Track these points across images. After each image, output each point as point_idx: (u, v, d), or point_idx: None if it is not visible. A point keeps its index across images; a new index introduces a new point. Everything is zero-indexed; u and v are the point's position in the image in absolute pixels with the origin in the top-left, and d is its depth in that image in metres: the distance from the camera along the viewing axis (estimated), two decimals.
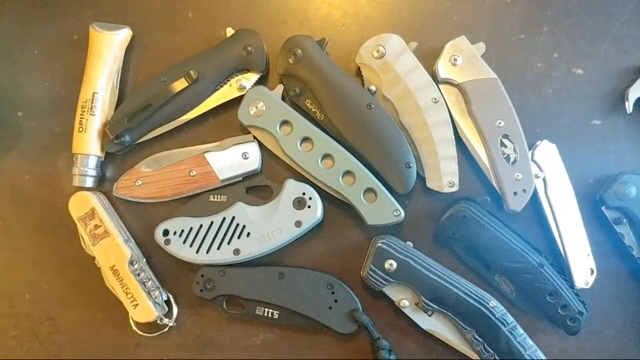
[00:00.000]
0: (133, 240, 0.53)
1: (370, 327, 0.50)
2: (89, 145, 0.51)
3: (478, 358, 0.49)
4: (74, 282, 0.54)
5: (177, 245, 0.50)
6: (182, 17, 0.55)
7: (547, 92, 0.53)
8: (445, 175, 0.50)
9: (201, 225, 0.50)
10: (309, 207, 0.50)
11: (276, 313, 0.51)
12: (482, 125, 0.49)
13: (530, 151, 0.50)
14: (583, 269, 0.50)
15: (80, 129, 0.51)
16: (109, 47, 0.51)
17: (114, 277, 0.50)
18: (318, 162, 0.50)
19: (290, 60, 0.50)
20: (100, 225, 0.50)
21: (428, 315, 0.50)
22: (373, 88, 0.51)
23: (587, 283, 0.49)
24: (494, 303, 0.48)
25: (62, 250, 0.54)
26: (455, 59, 0.50)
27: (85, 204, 0.51)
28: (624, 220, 0.50)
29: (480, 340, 0.48)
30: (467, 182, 0.52)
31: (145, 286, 0.51)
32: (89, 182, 0.52)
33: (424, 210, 0.52)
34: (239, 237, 0.50)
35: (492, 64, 0.51)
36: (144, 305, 0.50)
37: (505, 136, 0.49)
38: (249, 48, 0.50)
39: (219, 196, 0.51)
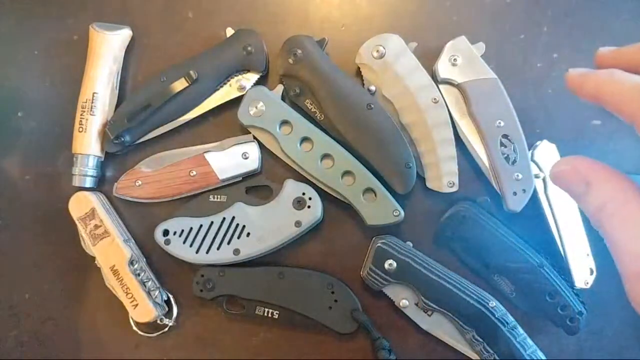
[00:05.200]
0: (133, 241, 0.53)
1: (370, 327, 0.50)
2: (88, 145, 0.51)
3: (478, 358, 0.49)
4: (74, 282, 0.54)
5: (177, 245, 0.50)
6: (182, 17, 0.55)
7: (547, 92, 0.53)
8: (445, 176, 0.50)
9: (201, 225, 0.50)
10: (308, 207, 0.50)
11: (276, 313, 0.51)
12: (482, 125, 0.49)
13: (530, 151, 0.50)
14: (583, 269, 0.50)
15: (80, 129, 0.51)
16: (109, 47, 0.51)
17: (114, 277, 0.50)
18: (318, 162, 0.50)
19: (290, 61, 0.50)
20: (100, 226, 0.50)
21: (428, 315, 0.50)
22: (373, 88, 0.51)
23: (587, 283, 0.50)
24: (493, 303, 0.48)
25: (62, 250, 0.54)
26: (455, 59, 0.50)
27: (85, 204, 0.51)
28: None
29: (480, 340, 0.48)
30: (467, 182, 0.52)
31: (145, 286, 0.51)
32: (89, 182, 0.52)
33: (423, 210, 0.52)
34: (238, 237, 0.50)
35: (491, 64, 0.51)
36: (144, 305, 0.50)
37: (505, 136, 0.49)
38: (249, 48, 0.50)
39: (219, 196, 0.51)
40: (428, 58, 0.51)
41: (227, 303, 0.52)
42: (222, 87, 0.52)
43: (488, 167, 0.50)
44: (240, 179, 0.52)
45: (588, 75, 0.28)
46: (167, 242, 0.50)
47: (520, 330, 0.49)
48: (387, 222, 0.49)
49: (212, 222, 0.50)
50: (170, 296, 0.53)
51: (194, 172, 0.51)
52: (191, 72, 0.50)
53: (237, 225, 0.50)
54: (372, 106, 0.49)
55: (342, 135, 0.50)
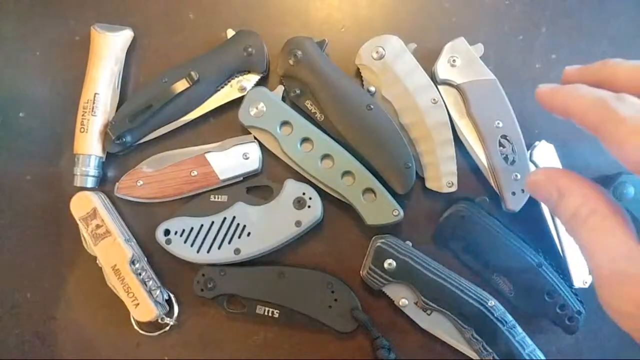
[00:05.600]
0: (134, 240, 0.53)
1: (370, 326, 0.50)
2: (90, 145, 0.51)
3: (477, 357, 0.50)
4: (75, 281, 0.54)
5: (178, 245, 0.51)
6: (183, 19, 0.55)
7: None
8: (444, 176, 0.50)
9: (202, 225, 0.51)
10: (309, 207, 0.50)
11: (276, 312, 0.51)
12: (481, 125, 0.49)
13: (529, 151, 0.50)
14: (581, 268, 0.50)
15: (82, 130, 0.51)
16: (110, 48, 0.52)
17: (115, 276, 0.50)
18: (318, 162, 0.50)
19: (291, 62, 0.50)
20: (102, 225, 0.51)
21: (427, 314, 0.50)
22: (372, 89, 0.51)
23: (586, 282, 0.50)
24: (492, 302, 0.48)
25: (63, 250, 0.54)
26: (454, 60, 0.50)
27: (86, 204, 0.51)
28: None
29: (479, 339, 0.48)
30: (466, 182, 0.52)
31: (146, 285, 0.51)
32: (91, 183, 0.52)
33: (423, 210, 0.53)
34: (239, 237, 0.50)
35: (490, 65, 0.52)
36: (145, 304, 0.51)
37: (504, 136, 0.49)
38: (250, 49, 0.51)
39: (219, 196, 0.52)
40: (427, 59, 0.52)
41: (227, 302, 0.52)
42: (222, 88, 0.52)
43: (487, 167, 0.50)
44: (241, 179, 0.52)
45: (557, 90, 0.30)
46: (168, 241, 0.51)
47: (519, 329, 0.49)
48: (386, 222, 0.49)
49: (212, 222, 0.51)
50: (171, 295, 0.53)
51: (195, 172, 0.51)
52: (192, 73, 0.50)
53: (238, 225, 0.50)
54: (372, 107, 0.49)
55: (342, 135, 0.50)
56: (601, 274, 0.25)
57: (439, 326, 0.50)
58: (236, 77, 0.52)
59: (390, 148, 0.49)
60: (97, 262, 0.51)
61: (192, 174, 0.51)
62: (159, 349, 0.54)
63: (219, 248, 0.50)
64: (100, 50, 0.51)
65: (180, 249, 0.51)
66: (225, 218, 0.51)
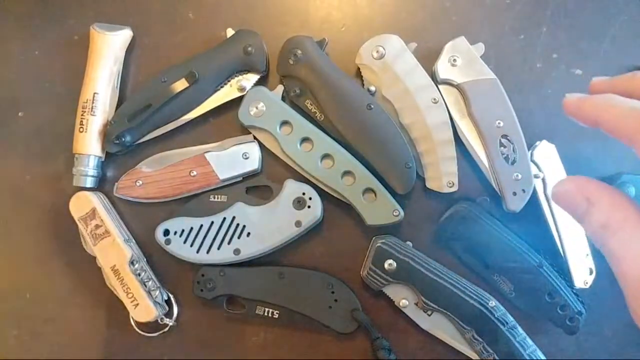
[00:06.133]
0: (133, 240, 0.53)
1: (370, 327, 0.50)
2: (89, 145, 0.51)
3: (478, 358, 0.49)
4: (74, 282, 0.54)
5: (178, 245, 0.51)
6: (182, 18, 0.55)
7: (546, 93, 0.53)
8: (444, 176, 0.50)
9: (201, 225, 0.50)
10: (308, 207, 0.50)
11: (276, 313, 0.51)
12: (482, 125, 0.49)
13: (530, 151, 0.50)
14: (582, 269, 0.50)
15: (81, 129, 0.51)
16: (109, 47, 0.52)
17: (115, 276, 0.50)
18: (318, 162, 0.50)
19: (290, 61, 0.50)
20: (101, 226, 0.51)
21: (428, 315, 0.50)
22: (373, 89, 0.51)
23: (586, 283, 0.50)
24: (493, 303, 0.48)
25: (62, 250, 0.54)
26: (454, 60, 0.50)
27: (85, 204, 0.51)
28: None
29: (480, 339, 0.48)
30: (467, 182, 0.52)
31: (145, 286, 0.51)
32: (90, 182, 0.52)
33: (423, 210, 0.52)
34: (239, 237, 0.50)
35: (491, 64, 0.51)
36: (144, 305, 0.50)
37: (505, 136, 0.49)
38: (249, 49, 0.51)
39: (219, 196, 0.51)
40: (428, 58, 0.51)
41: (227, 303, 0.52)
42: (222, 87, 0.52)
43: (487, 167, 0.50)
44: (241, 179, 0.52)
45: (586, 99, 0.30)
46: (168, 241, 0.51)
47: (520, 329, 0.49)
48: (387, 222, 0.49)
49: (212, 222, 0.50)
50: (171, 296, 0.53)
51: (195, 172, 0.51)
52: (192, 72, 0.50)
53: (238, 225, 0.50)
54: (372, 106, 0.49)
55: (342, 135, 0.50)
56: (633, 279, 0.25)
57: (440, 327, 0.50)
58: (236, 76, 0.52)
59: (391, 148, 0.49)
60: (97, 262, 0.51)
61: (192, 174, 0.51)
62: (159, 350, 0.54)
63: (218, 248, 0.50)
64: (100, 50, 0.51)
65: (180, 249, 0.51)
66: (224, 218, 0.50)
